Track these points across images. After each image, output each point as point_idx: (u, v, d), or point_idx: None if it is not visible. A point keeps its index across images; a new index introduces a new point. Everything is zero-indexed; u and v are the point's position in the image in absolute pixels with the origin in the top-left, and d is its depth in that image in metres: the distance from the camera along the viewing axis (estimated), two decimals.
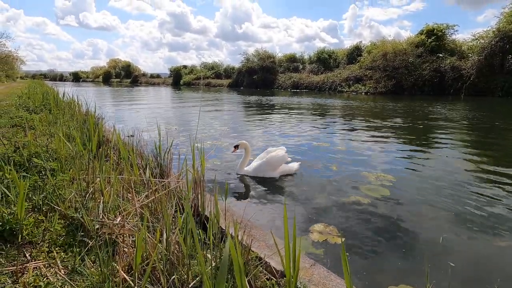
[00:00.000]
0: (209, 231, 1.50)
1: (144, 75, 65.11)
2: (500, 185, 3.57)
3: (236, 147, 3.83)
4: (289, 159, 3.89)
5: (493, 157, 5.12)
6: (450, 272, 1.98)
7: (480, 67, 22.41)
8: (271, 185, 3.54)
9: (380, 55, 27.52)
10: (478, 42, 23.69)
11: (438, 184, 3.61)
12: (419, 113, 11.81)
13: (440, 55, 26.18)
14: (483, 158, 4.99)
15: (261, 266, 1.65)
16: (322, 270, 1.72)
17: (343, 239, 2.35)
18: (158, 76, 63.03)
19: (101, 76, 72.38)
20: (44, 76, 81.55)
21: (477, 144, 6.38)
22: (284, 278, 1.50)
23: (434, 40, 26.29)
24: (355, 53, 32.58)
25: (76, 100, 6.69)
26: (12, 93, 11.84)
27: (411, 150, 5.48)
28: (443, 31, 26.71)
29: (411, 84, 25.34)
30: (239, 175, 3.82)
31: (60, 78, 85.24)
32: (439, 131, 7.71)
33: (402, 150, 5.44)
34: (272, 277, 1.62)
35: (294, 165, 3.92)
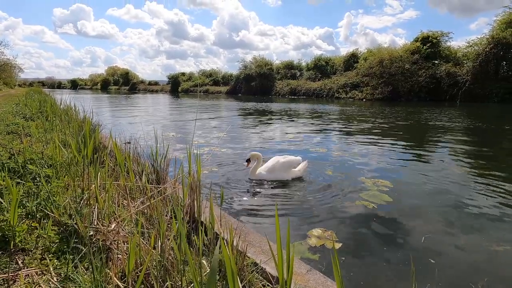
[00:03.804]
0: (202, 237, 1.49)
1: (142, 82, 65.36)
2: (495, 189, 3.59)
3: (248, 161, 3.81)
4: (299, 159, 3.94)
5: (488, 161, 5.15)
6: (448, 276, 1.97)
7: (475, 74, 22.72)
8: (268, 191, 3.54)
9: (376, 62, 27.85)
10: (473, 49, 24.08)
11: (435, 190, 3.61)
12: (415, 119, 11.89)
13: (436, 61, 26.54)
14: (479, 162, 5.02)
15: (256, 272, 1.64)
16: (318, 276, 1.71)
17: (337, 245, 2.34)
18: (156, 83, 63.28)
19: (99, 84, 72.57)
20: (42, 83, 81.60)
21: (473, 149, 6.41)
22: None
23: (429, 47, 26.68)
24: (351, 60, 32.96)
25: (73, 107, 6.69)
26: (9, 100, 11.83)
27: (407, 156, 5.51)
28: (438, 38, 27.13)
29: (408, 90, 25.61)
30: (252, 181, 3.80)
31: (58, 85, 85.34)
32: (435, 137, 7.76)
33: (398, 156, 5.45)
34: (268, 283, 1.61)
35: (302, 167, 3.95)
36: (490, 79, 22.18)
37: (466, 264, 2.16)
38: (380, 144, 6.44)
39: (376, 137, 7.38)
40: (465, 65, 24.49)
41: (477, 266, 2.13)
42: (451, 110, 15.80)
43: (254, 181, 3.77)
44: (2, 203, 1.73)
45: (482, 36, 23.69)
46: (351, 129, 8.94)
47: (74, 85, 78.24)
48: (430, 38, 27.03)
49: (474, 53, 23.54)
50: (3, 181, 1.90)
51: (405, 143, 6.75)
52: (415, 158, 5.26)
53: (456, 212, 3.00)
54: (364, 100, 26.46)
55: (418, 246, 2.36)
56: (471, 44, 24.53)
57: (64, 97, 8.04)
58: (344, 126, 9.77)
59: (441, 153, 5.69)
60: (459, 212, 3.00)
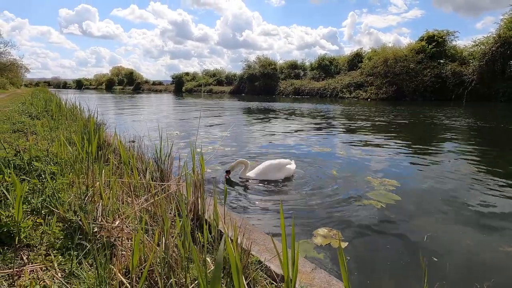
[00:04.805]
0: (206, 234, 1.48)
1: (146, 82, 65.72)
2: (504, 189, 3.53)
3: (228, 172, 3.79)
4: (291, 161, 3.98)
5: (496, 161, 5.07)
6: (454, 276, 1.94)
7: (481, 73, 22.46)
8: (272, 189, 3.52)
9: (381, 61, 27.68)
10: (479, 48, 23.79)
11: (442, 189, 3.57)
12: (420, 118, 11.79)
13: (441, 61, 26.29)
14: (486, 162, 4.94)
15: (261, 270, 1.63)
16: (323, 274, 1.69)
17: (343, 245, 2.31)
18: (160, 83, 63.62)
19: (104, 84, 73.11)
20: (48, 83, 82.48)
21: (480, 148, 6.33)
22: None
23: (435, 46, 26.43)
24: (356, 60, 32.80)
25: (78, 107, 6.74)
26: (15, 100, 11.95)
27: (414, 155, 5.45)
28: (443, 37, 26.86)
29: (412, 90, 25.40)
30: (242, 179, 3.81)
31: (64, 85, 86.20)
32: (441, 136, 7.68)
33: (404, 155, 5.40)
34: (273, 281, 1.59)
35: (293, 166, 3.96)
36: (497, 78, 21.90)
37: (474, 264, 2.12)
38: (385, 144, 6.39)
39: (381, 137, 7.32)
40: (471, 65, 24.23)
41: (486, 267, 2.10)
42: (457, 110, 15.63)
43: (256, 181, 3.76)
44: (8, 199, 1.74)
45: (488, 35, 23.44)
46: (355, 129, 8.88)
47: (79, 85, 78.89)
48: (435, 37, 26.78)
49: (480, 52, 23.26)
50: (9, 177, 1.91)
51: (410, 143, 6.69)
52: (422, 158, 5.20)
53: (465, 211, 2.95)
54: (368, 99, 26.31)
55: (425, 245, 2.32)
56: (477, 43, 24.25)
57: (70, 97, 8.10)
58: (348, 125, 9.71)
59: (448, 153, 5.62)
60: (468, 211, 2.95)
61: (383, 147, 6.02)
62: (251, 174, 3.81)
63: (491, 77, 22.03)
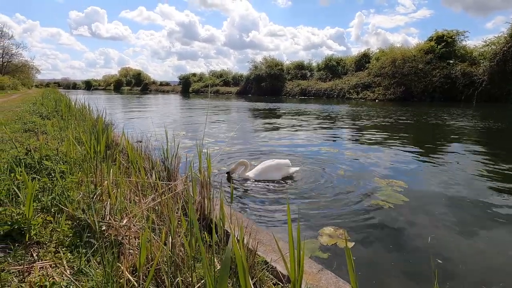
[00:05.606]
0: (213, 234, 1.48)
1: (154, 83, 66.39)
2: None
3: (229, 173, 3.84)
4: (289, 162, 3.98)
5: (505, 163, 4.96)
6: (462, 278, 1.91)
7: (492, 73, 22.05)
8: (279, 190, 3.51)
9: (389, 61, 27.42)
10: (490, 48, 23.36)
11: (450, 190, 3.51)
12: (429, 119, 11.62)
13: (451, 61, 25.89)
14: (495, 164, 4.84)
15: (267, 271, 1.63)
16: (330, 275, 1.68)
17: (349, 245, 2.29)
18: (167, 84, 64.19)
19: (112, 84, 74.10)
20: (58, 84, 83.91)
21: (489, 150, 6.21)
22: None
23: (444, 47, 26.05)
24: (363, 60, 32.56)
25: (87, 107, 6.85)
26: (27, 100, 12.19)
27: (421, 156, 5.38)
28: (453, 37, 26.46)
29: (421, 91, 25.10)
30: (241, 179, 3.82)
31: (73, 86, 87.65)
32: (449, 137, 7.56)
33: (412, 157, 5.33)
34: (279, 282, 1.59)
35: (293, 169, 3.95)
36: (508, 79, 21.45)
37: (482, 267, 2.08)
38: (393, 145, 6.32)
39: (388, 138, 7.25)
40: (481, 65, 23.81)
41: (495, 270, 2.05)
42: (466, 111, 15.37)
43: (256, 181, 3.76)
44: (19, 197, 1.78)
45: (499, 35, 23.00)
46: (362, 129, 8.81)
47: (88, 85, 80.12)
48: (445, 37, 26.40)
49: (491, 52, 22.82)
50: (20, 176, 1.95)
51: (418, 144, 6.60)
52: (429, 159, 5.13)
53: (473, 213, 2.90)
54: (376, 100, 26.07)
55: (432, 247, 2.29)
56: (488, 43, 23.82)
57: (79, 97, 8.23)
58: (355, 126, 9.64)
59: (456, 154, 5.53)
60: (476, 213, 2.90)
61: (390, 148, 5.95)
62: (250, 174, 3.82)
63: (502, 77, 21.59)
